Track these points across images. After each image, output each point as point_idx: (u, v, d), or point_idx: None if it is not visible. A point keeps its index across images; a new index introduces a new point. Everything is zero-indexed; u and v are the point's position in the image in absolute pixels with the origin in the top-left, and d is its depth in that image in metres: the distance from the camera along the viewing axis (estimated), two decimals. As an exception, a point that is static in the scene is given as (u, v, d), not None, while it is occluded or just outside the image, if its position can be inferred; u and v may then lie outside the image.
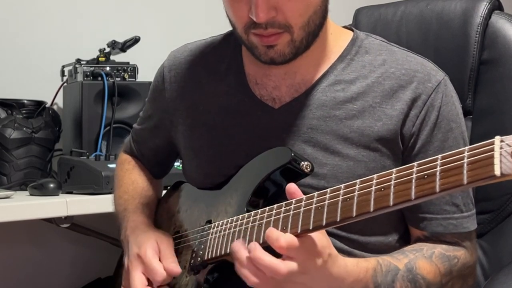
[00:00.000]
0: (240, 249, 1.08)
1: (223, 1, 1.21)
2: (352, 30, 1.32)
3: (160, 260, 1.26)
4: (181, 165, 1.44)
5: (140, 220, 1.38)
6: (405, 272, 1.17)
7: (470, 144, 1.32)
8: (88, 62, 2.15)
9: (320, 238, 1.05)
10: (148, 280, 1.26)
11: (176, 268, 1.25)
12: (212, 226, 1.25)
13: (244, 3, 1.16)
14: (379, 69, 1.26)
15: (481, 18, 1.46)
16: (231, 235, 1.18)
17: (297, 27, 1.17)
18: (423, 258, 1.20)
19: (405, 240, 1.27)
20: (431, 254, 1.21)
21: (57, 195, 1.85)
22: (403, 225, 1.28)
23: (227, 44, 1.35)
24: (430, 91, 1.23)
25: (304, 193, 1.09)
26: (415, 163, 0.93)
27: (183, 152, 1.39)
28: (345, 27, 1.34)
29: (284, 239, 1.03)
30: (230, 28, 1.27)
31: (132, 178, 1.50)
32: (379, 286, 1.14)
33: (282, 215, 1.09)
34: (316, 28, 1.20)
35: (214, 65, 1.34)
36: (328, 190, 1.03)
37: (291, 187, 1.09)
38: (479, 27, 1.46)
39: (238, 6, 1.17)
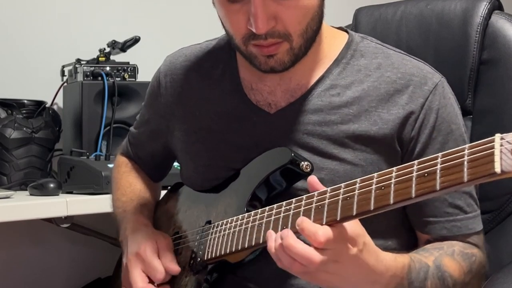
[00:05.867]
0: (272, 236, 1.05)
1: (219, 12, 1.21)
2: (347, 32, 1.31)
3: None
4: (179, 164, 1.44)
5: (139, 221, 1.38)
6: (434, 269, 1.15)
7: (470, 144, 1.33)
8: (88, 62, 2.15)
9: (354, 226, 1.02)
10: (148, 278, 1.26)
11: (175, 267, 1.26)
12: (212, 226, 1.25)
13: (241, 14, 1.15)
14: (374, 73, 1.25)
15: (481, 18, 1.46)
16: (231, 235, 1.19)
17: (296, 35, 1.17)
18: (447, 255, 1.19)
19: (406, 245, 1.26)
20: (452, 252, 1.20)
21: (57, 195, 1.85)
22: (404, 230, 1.27)
23: (222, 48, 1.35)
24: (427, 94, 1.23)
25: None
26: (416, 161, 0.93)
27: (180, 157, 1.39)
28: (339, 28, 1.33)
29: (322, 233, 0.99)
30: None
31: (129, 180, 1.49)
32: (412, 283, 1.12)
33: (282, 214, 1.09)
34: (313, 33, 1.20)
35: (209, 70, 1.34)
36: (328, 189, 1.03)
37: (312, 179, 1.07)
38: (479, 27, 1.46)
39: (236, 18, 1.16)
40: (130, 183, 1.49)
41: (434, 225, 1.23)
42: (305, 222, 1.01)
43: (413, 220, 1.26)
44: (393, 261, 1.10)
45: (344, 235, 1.01)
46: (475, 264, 1.22)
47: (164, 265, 1.25)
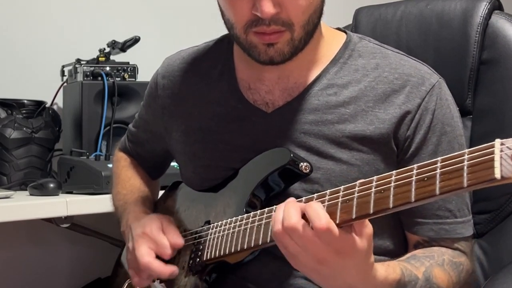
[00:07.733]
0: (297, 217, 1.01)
1: (220, 1, 1.21)
2: (345, 32, 1.31)
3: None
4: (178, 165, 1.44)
5: (142, 210, 1.39)
6: (424, 281, 1.15)
7: (469, 145, 1.34)
8: (88, 62, 2.15)
9: (362, 242, 1.01)
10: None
11: (180, 240, 1.26)
12: (211, 226, 1.25)
13: (245, 1, 1.15)
14: (372, 73, 1.25)
15: (481, 18, 1.46)
16: (230, 235, 1.19)
17: (299, 25, 1.17)
18: (437, 266, 1.18)
19: (401, 245, 1.27)
20: (442, 261, 1.20)
21: (57, 195, 1.85)
22: (399, 230, 1.27)
23: (220, 49, 1.35)
24: (424, 94, 1.23)
25: (298, 198, 1.07)
26: (415, 165, 0.93)
27: (179, 158, 1.39)
28: (338, 28, 1.33)
29: (326, 219, 0.98)
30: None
31: (128, 174, 1.51)
32: None
33: (281, 216, 1.09)
34: (313, 27, 1.20)
35: (207, 71, 1.34)
36: (328, 192, 1.03)
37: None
38: (479, 27, 1.46)
39: (239, 4, 1.16)
40: (130, 177, 1.50)
41: (422, 226, 1.23)
42: (314, 203, 1.00)
43: (403, 220, 1.26)
44: (384, 279, 1.08)
45: (350, 243, 1.00)
46: (462, 273, 1.22)
47: (170, 240, 1.26)
